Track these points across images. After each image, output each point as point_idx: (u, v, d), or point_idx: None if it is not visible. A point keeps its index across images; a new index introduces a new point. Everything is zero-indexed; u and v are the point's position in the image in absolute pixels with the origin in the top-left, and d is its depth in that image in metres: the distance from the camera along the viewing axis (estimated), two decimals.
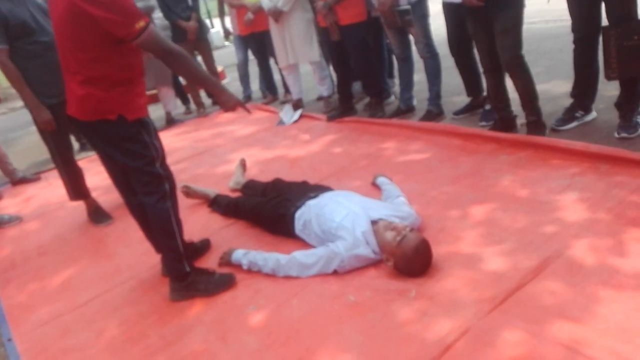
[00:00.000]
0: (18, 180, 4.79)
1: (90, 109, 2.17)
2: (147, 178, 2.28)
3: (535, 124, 3.32)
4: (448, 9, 3.70)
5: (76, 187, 3.55)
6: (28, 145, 6.59)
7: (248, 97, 6.37)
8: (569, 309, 1.81)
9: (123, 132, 2.22)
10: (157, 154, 2.31)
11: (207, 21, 12.32)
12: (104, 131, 2.22)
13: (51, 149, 3.44)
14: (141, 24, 2.02)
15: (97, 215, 3.58)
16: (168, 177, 2.37)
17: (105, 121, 2.18)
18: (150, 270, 2.70)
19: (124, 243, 3.13)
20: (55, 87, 3.09)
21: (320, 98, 5.40)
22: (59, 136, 3.35)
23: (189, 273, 2.40)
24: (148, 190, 2.29)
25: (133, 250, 2.95)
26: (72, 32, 2.04)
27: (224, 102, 2.33)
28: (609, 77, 3.02)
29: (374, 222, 2.34)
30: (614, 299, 1.81)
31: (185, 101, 6.59)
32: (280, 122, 5.04)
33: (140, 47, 2.10)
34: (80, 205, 3.73)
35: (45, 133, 3.33)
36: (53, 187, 4.53)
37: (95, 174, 4.05)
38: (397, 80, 4.81)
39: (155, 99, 6.53)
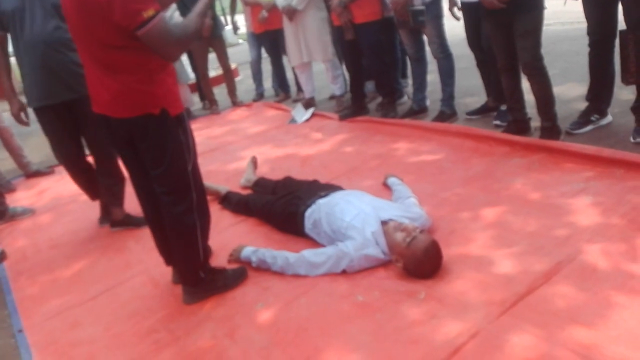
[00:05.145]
0: (32, 173, 4.84)
1: (130, 103, 1.94)
2: (175, 185, 2.11)
3: (550, 130, 3.28)
4: (467, 8, 3.68)
5: (85, 189, 3.44)
6: (43, 139, 6.53)
7: (261, 95, 6.39)
8: (580, 314, 1.79)
9: (163, 129, 2.00)
10: (189, 156, 2.12)
11: (222, 18, 12.35)
12: (142, 129, 1.99)
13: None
14: (150, 12, 1.75)
15: (103, 215, 3.49)
16: (196, 181, 2.20)
17: (146, 117, 1.96)
18: (160, 265, 2.69)
19: (134, 238, 3.15)
20: (36, 90, 3.03)
21: (332, 97, 5.40)
22: (54, 139, 3.29)
23: (203, 278, 2.35)
24: (173, 199, 2.13)
25: (143, 245, 2.96)
26: (87, 24, 1.83)
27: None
28: (627, 82, 2.98)
29: (384, 223, 2.33)
30: (627, 305, 1.79)
31: (203, 97, 6.62)
32: (292, 121, 5.05)
33: (143, 39, 1.79)
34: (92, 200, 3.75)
35: (46, 134, 3.25)
36: (66, 181, 4.52)
37: None
38: (410, 81, 4.79)
39: None
